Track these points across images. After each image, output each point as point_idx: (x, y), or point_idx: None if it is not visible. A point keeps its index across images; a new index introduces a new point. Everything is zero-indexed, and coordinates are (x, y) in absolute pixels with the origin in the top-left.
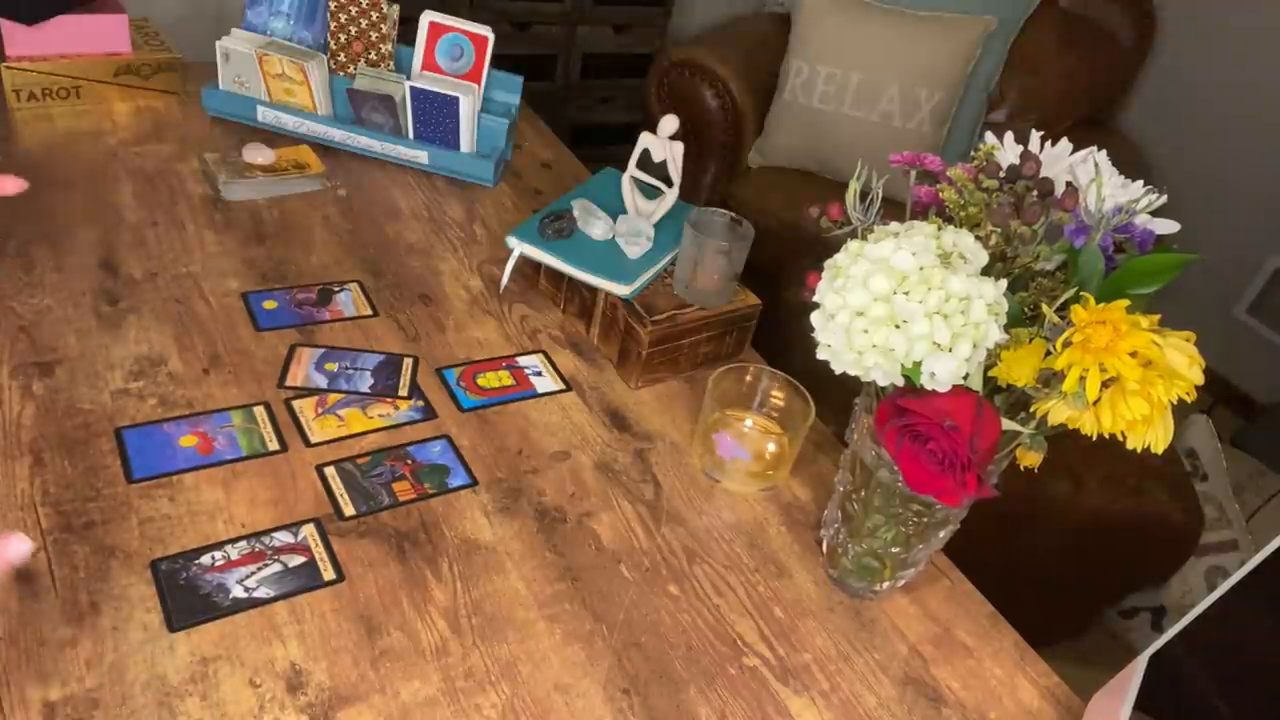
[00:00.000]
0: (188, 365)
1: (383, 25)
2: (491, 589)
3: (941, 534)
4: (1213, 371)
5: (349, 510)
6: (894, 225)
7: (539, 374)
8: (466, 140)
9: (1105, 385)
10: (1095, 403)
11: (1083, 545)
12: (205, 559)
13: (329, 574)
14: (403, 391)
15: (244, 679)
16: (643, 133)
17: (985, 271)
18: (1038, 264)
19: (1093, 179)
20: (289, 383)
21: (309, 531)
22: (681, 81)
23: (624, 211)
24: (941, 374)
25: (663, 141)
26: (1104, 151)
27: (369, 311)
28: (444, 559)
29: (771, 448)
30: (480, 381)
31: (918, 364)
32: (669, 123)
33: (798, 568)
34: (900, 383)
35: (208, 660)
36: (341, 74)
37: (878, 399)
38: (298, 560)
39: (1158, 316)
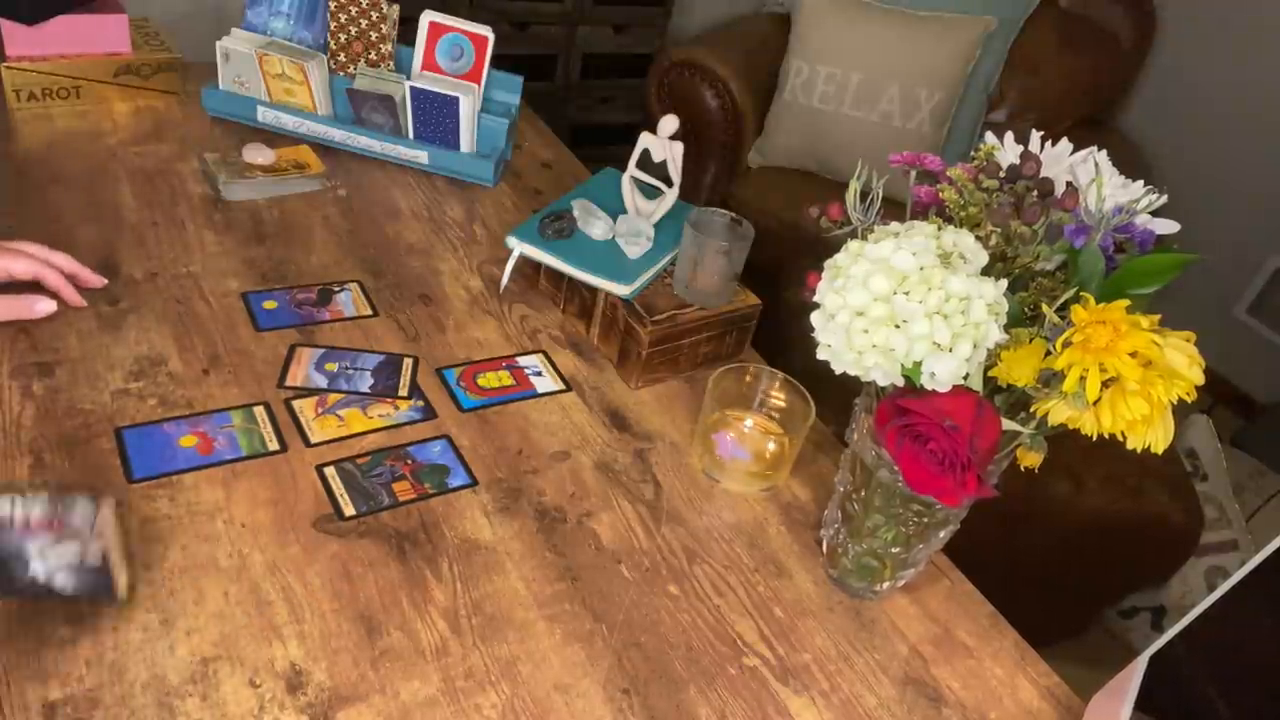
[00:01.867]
0: (188, 365)
1: (383, 25)
2: (491, 589)
3: (941, 534)
4: (1213, 371)
5: (349, 510)
6: (894, 225)
7: (539, 374)
8: (466, 140)
9: (1105, 385)
10: (1095, 403)
11: (1083, 545)
12: None
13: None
14: (403, 391)
15: (244, 679)
16: (643, 133)
17: (985, 271)
18: (1038, 264)
19: (1093, 179)
20: (289, 383)
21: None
22: (681, 81)
23: (624, 211)
24: (941, 374)
25: (663, 141)
26: (1104, 151)
27: (369, 311)
28: (444, 559)
29: (771, 447)
30: (480, 381)
31: (918, 364)
32: (669, 123)
33: (798, 568)
34: (900, 383)
35: (208, 660)
36: (341, 74)
37: (878, 399)
38: None
39: (1158, 316)
